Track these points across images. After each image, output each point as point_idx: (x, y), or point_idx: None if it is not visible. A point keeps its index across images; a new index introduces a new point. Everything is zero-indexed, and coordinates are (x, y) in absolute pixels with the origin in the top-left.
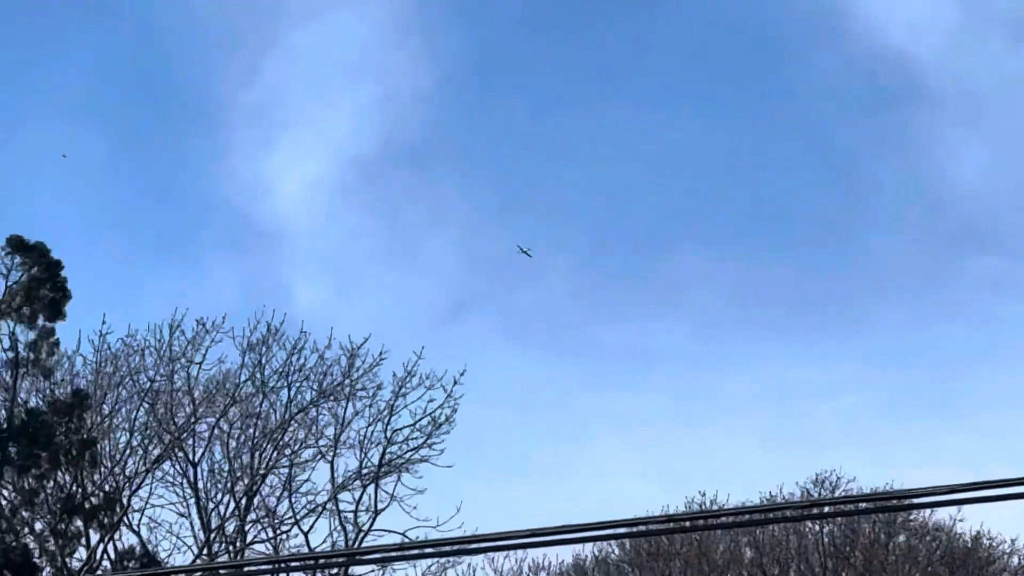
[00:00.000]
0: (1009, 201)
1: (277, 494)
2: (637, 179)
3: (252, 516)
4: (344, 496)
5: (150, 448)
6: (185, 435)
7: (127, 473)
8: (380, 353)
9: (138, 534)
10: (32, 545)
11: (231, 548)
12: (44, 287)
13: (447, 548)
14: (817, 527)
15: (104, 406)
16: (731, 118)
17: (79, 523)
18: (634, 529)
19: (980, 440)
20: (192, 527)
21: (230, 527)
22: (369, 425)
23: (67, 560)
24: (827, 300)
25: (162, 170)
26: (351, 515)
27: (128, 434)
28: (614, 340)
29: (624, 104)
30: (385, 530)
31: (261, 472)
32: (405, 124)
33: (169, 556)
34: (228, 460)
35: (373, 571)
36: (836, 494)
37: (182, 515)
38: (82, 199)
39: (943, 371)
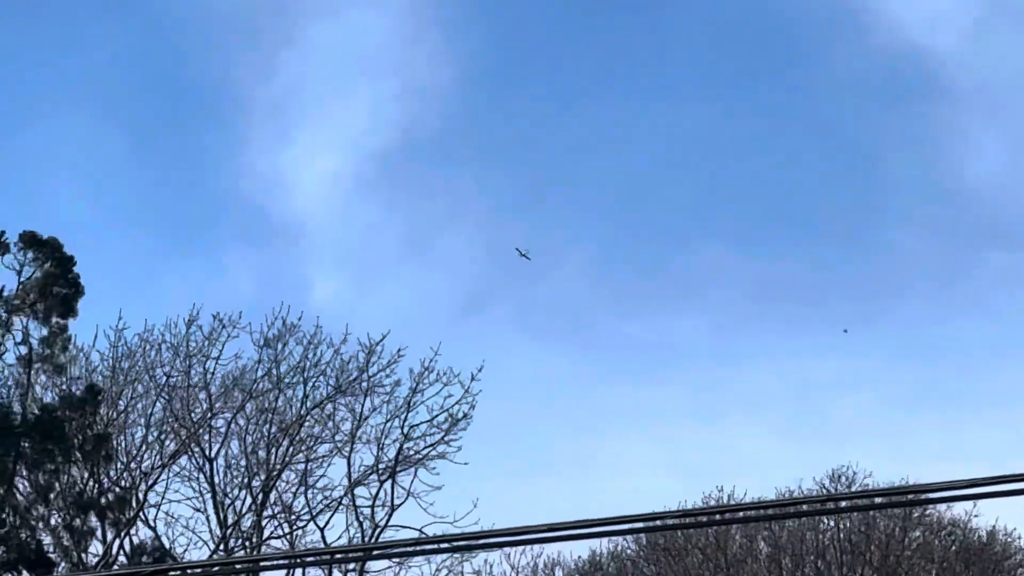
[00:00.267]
0: None
1: (293, 489)
2: (655, 173)
3: (268, 511)
4: (360, 491)
5: (166, 443)
6: (201, 430)
7: (143, 468)
8: (398, 350)
9: (154, 529)
10: (48, 540)
11: (247, 543)
12: (57, 283)
13: (463, 543)
14: (833, 522)
15: (120, 401)
16: (750, 112)
17: (92, 519)
18: (649, 524)
19: (998, 435)
20: (208, 522)
21: (246, 522)
22: (386, 421)
23: (83, 555)
24: (846, 294)
25: (180, 165)
26: (367, 511)
27: (144, 429)
28: (632, 334)
29: (642, 97)
30: (401, 526)
31: (277, 467)
32: (423, 118)
33: (185, 551)
34: (245, 455)
35: (389, 566)
36: (852, 489)
37: (198, 510)
38: (99, 193)
39: (961, 366)
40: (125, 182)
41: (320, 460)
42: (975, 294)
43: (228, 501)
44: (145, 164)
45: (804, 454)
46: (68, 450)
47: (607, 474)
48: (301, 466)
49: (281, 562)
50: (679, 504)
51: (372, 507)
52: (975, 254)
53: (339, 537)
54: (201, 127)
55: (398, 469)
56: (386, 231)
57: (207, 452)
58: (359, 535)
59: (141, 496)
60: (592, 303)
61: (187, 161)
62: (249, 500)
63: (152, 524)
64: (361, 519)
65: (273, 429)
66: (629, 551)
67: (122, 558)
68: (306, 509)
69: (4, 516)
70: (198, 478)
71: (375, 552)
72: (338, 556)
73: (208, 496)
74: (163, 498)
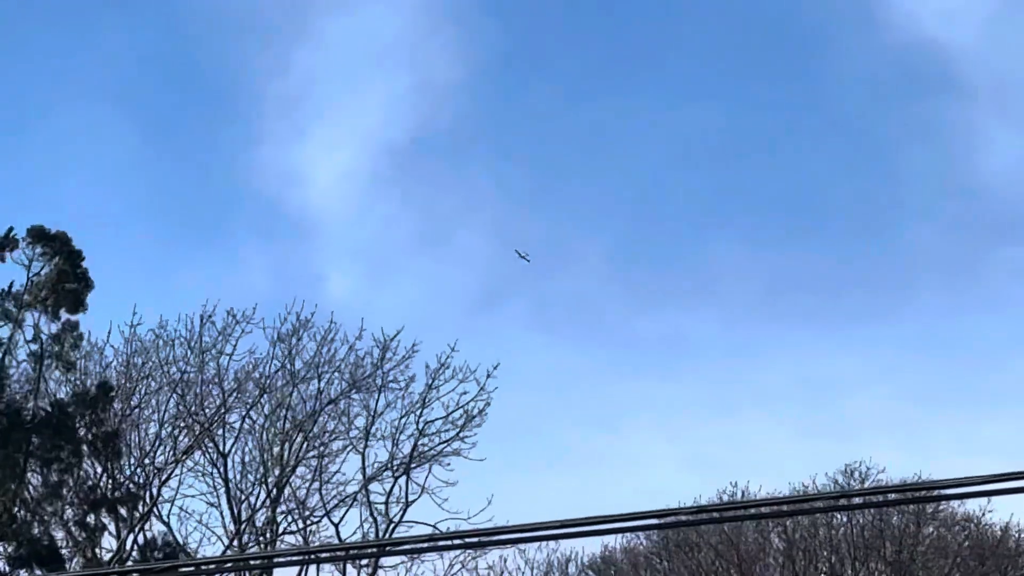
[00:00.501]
0: None
1: (307, 485)
2: (669, 168)
3: (282, 507)
4: (375, 487)
5: (180, 439)
6: (215, 426)
7: (157, 464)
8: (413, 346)
9: (167, 525)
10: (61, 536)
11: (261, 539)
12: (67, 278)
13: (476, 539)
14: (847, 518)
15: (134, 397)
16: (764, 107)
17: (103, 515)
18: (663, 520)
19: (1013, 430)
20: (222, 518)
21: (260, 518)
22: (401, 417)
23: (97, 551)
24: (860, 289)
25: (194, 160)
26: (382, 506)
27: (158, 425)
28: (647, 329)
29: (656, 93)
30: (415, 521)
31: (291, 463)
32: (438, 113)
33: (199, 547)
34: (259, 451)
35: (403, 562)
36: (866, 485)
37: (212, 505)
38: (114, 189)
39: (976, 360)
40: (140, 177)
41: (334, 456)
42: (990, 289)
43: (242, 497)
44: (160, 159)
45: (818, 449)
46: (79, 447)
47: (621, 469)
48: (315, 462)
49: (295, 558)
50: (693, 500)
51: (386, 503)
52: (990, 249)
53: (353, 533)
54: (216, 122)
55: (412, 465)
56: (401, 226)
57: (221, 448)
58: (373, 531)
59: (155, 492)
60: (607, 298)
61: (202, 156)
62: (263, 496)
63: (166, 520)
64: (375, 515)
65: (287, 425)
66: (642, 547)
67: (136, 554)
68: (320, 505)
69: (15, 512)
70: (212, 474)
71: (389, 548)
72: (352, 552)
73: (222, 492)
74: (177, 493)
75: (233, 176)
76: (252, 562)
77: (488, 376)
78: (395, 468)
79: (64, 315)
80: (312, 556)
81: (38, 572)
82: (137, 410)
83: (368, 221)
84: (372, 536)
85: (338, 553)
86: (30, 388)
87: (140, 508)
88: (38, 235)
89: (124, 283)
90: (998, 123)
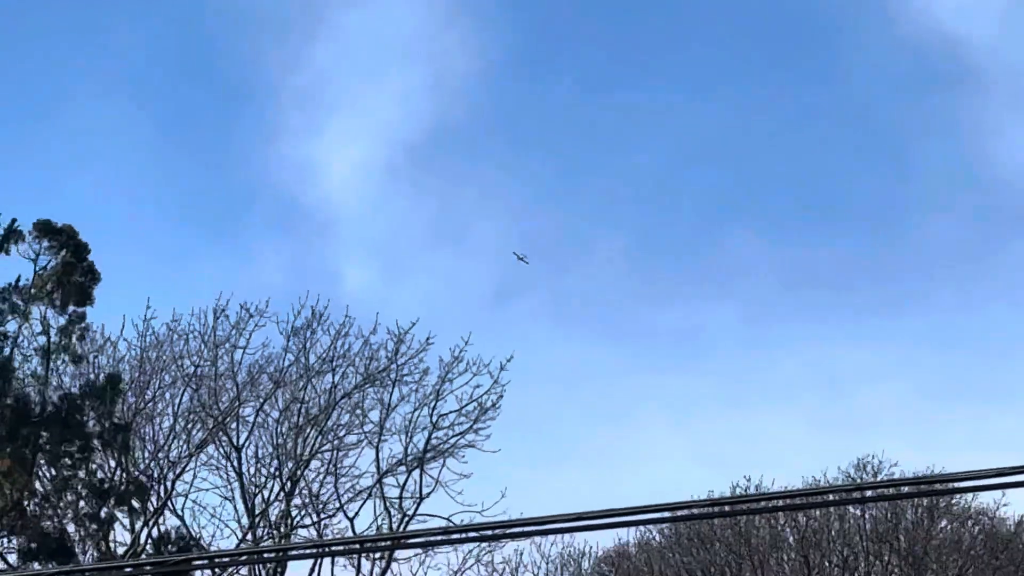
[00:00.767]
0: None
1: (321, 479)
2: (686, 161)
3: (296, 501)
4: (389, 481)
5: (194, 432)
6: (229, 419)
7: (171, 458)
8: (427, 339)
9: (181, 518)
10: (74, 529)
11: (275, 532)
12: (73, 271)
13: (490, 532)
14: (859, 512)
15: (148, 391)
16: (779, 100)
17: (112, 508)
18: (676, 514)
19: None
20: (236, 511)
21: (274, 512)
22: (415, 410)
23: (111, 545)
24: (875, 282)
25: (210, 154)
26: (396, 500)
27: (172, 419)
28: (663, 323)
29: (672, 86)
30: (429, 515)
31: (305, 457)
32: (454, 107)
33: (212, 540)
34: (273, 445)
35: (417, 555)
36: (878, 478)
37: (226, 498)
38: (129, 182)
39: (991, 353)
40: (155, 171)
41: (348, 450)
42: (1005, 282)
43: (256, 490)
44: (176, 153)
45: (832, 443)
46: (88, 440)
47: (638, 463)
48: (329, 455)
49: (309, 551)
50: (707, 493)
51: (400, 497)
52: (1006, 242)
53: (368, 527)
54: (232, 116)
55: (427, 456)
56: (417, 220)
57: (235, 441)
58: (387, 524)
59: (169, 485)
60: (623, 292)
61: (218, 150)
62: (277, 489)
63: (180, 513)
64: (389, 508)
65: (301, 419)
66: (655, 541)
67: (150, 548)
68: (334, 498)
69: (25, 505)
70: (226, 467)
71: (403, 541)
72: (366, 545)
73: (236, 485)
74: (191, 487)
75: (249, 170)
76: (266, 555)
77: (501, 369)
78: (409, 462)
79: (72, 308)
80: (326, 549)
81: (51, 565)
82: (151, 404)
83: (384, 215)
84: (386, 529)
85: (352, 546)
86: (38, 382)
87: (154, 501)
88: (44, 229)
89: (139, 277)
90: (1014, 116)
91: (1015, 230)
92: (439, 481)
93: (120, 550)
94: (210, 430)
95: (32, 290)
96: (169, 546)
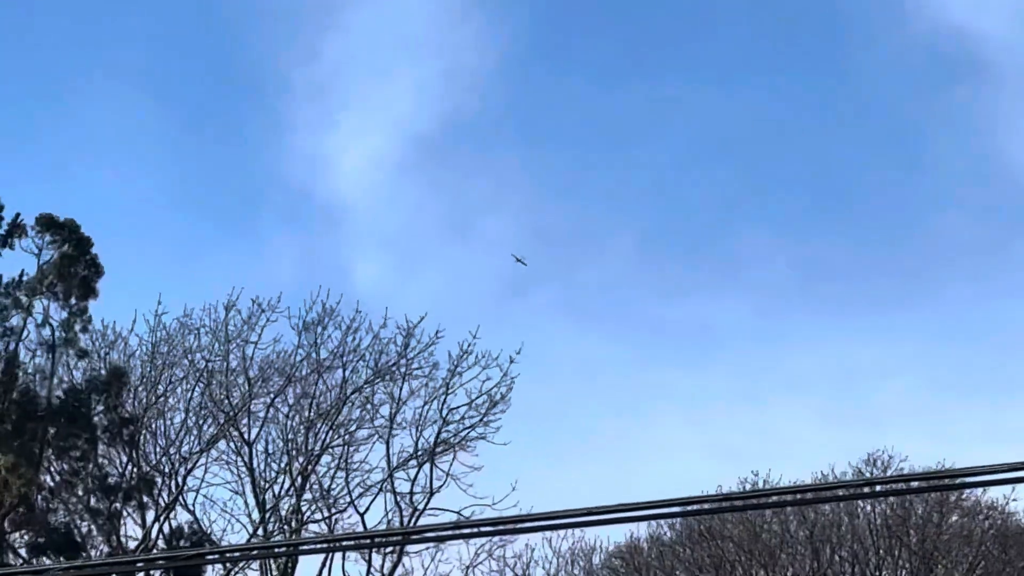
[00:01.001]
0: None
1: (332, 473)
2: (699, 156)
3: (307, 495)
4: (400, 475)
5: (205, 428)
6: (240, 415)
7: (182, 453)
8: (436, 332)
9: (193, 513)
10: (85, 522)
11: (286, 527)
12: (75, 264)
13: (501, 527)
14: (869, 507)
15: (159, 386)
16: (792, 94)
17: (118, 503)
18: (686, 508)
19: None
20: (247, 506)
21: (285, 506)
22: (425, 404)
23: (122, 539)
24: (888, 277)
25: (222, 147)
26: (407, 494)
27: (183, 414)
28: (675, 318)
29: (685, 81)
30: (440, 509)
31: (316, 452)
32: (466, 100)
33: (224, 535)
34: (284, 440)
35: (428, 548)
36: (888, 473)
37: (237, 493)
38: (141, 175)
39: (1003, 348)
40: (168, 164)
41: (359, 444)
42: (1018, 277)
43: (267, 485)
44: (189, 147)
45: (844, 437)
46: (94, 434)
47: (650, 457)
48: (340, 450)
49: (320, 546)
50: (716, 488)
51: (411, 491)
52: (1018, 236)
53: (379, 521)
54: (245, 110)
55: (437, 452)
56: (429, 213)
57: (246, 436)
58: (398, 519)
59: (180, 480)
60: (635, 286)
61: (230, 143)
62: (288, 484)
63: (191, 508)
64: (400, 503)
65: (312, 414)
66: (666, 536)
67: (161, 543)
68: (345, 493)
69: (33, 501)
70: (237, 462)
71: (414, 536)
72: (377, 540)
73: (247, 480)
74: (202, 482)
75: (261, 164)
76: (277, 550)
77: (511, 362)
78: (419, 456)
79: (74, 301)
80: (337, 544)
81: (62, 559)
82: (162, 399)
83: (396, 208)
84: (397, 524)
85: (363, 541)
86: (44, 376)
87: (165, 496)
88: (47, 223)
89: (150, 271)
90: None
91: None
92: (450, 475)
93: (131, 545)
94: (221, 425)
95: (35, 284)
96: (181, 541)
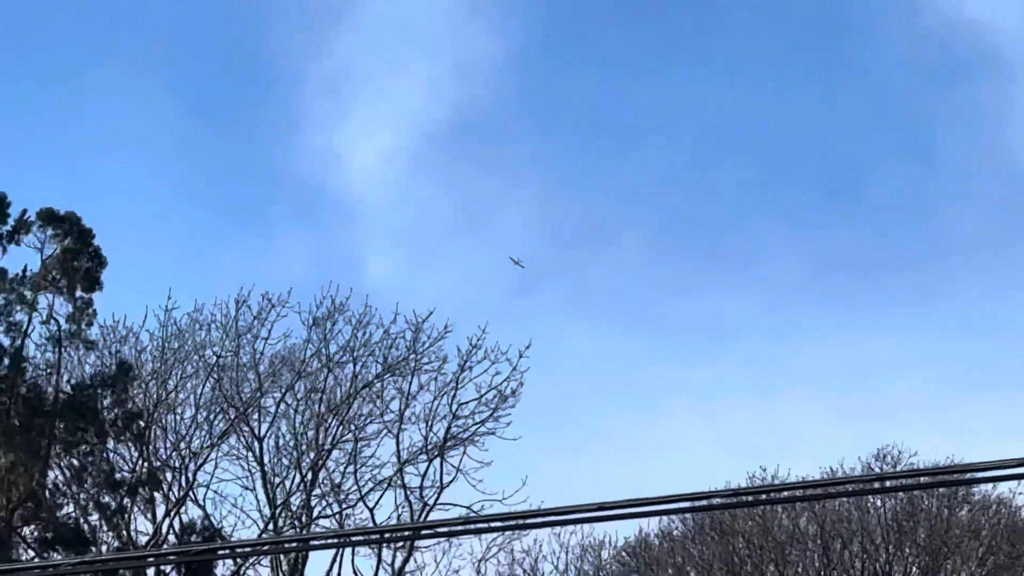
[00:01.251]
0: None
1: (342, 469)
2: (711, 150)
3: (317, 491)
4: (409, 470)
5: (215, 423)
6: (250, 410)
7: (193, 448)
8: (445, 327)
9: (203, 508)
10: (96, 518)
11: (297, 523)
12: (78, 257)
13: (510, 522)
14: (879, 502)
15: (170, 381)
16: (804, 88)
17: (124, 497)
18: (696, 504)
19: None
20: (257, 501)
21: (295, 502)
22: (434, 399)
23: (132, 535)
24: (901, 271)
25: (234, 142)
26: (417, 489)
27: (194, 409)
28: (687, 312)
29: (697, 75)
30: (450, 504)
31: (326, 447)
32: (478, 95)
33: (234, 530)
34: (294, 435)
35: (438, 542)
36: (897, 468)
37: (248, 488)
38: (153, 169)
39: (1016, 344)
40: (180, 158)
41: (369, 440)
42: None
43: (277, 480)
44: (200, 141)
45: (854, 432)
46: (102, 428)
47: (661, 452)
48: (350, 445)
49: (330, 541)
50: (725, 483)
51: (421, 486)
52: None
53: (388, 516)
54: (256, 104)
55: (447, 447)
56: (441, 208)
57: (256, 432)
58: (408, 514)
59: (191, 476)
60: (647, 280)
61: (242, 138)
62: (298, 479)
63: (202, 503)
64: (410, 498)
65: (322, 409)
66: (676, 532)
67: (172, 538)
68: (355, 488)
69: (40, 496)
70: (247, 457)
71: (424, 531)
72: (387, 535)
73: (257, 475)
74: (212, 477)
75: (273, 158)
76: (287, 545)
77: (520, 356)
78: (429, 450)
79: (79, 294)
80: (347, 539)
81: (71, 555)
82: (173, 394)
83: (408, 203)
84: (407, 519)
85: (373, 536)
86: (50, 371)
87: (176, 491)
88: (48, 217)
89: (161, 266)
90: None
91: None
92: (460, 469)
93: (142, 540)
94: (232, 420)
95: (38, 279)
96: (193, 536)
